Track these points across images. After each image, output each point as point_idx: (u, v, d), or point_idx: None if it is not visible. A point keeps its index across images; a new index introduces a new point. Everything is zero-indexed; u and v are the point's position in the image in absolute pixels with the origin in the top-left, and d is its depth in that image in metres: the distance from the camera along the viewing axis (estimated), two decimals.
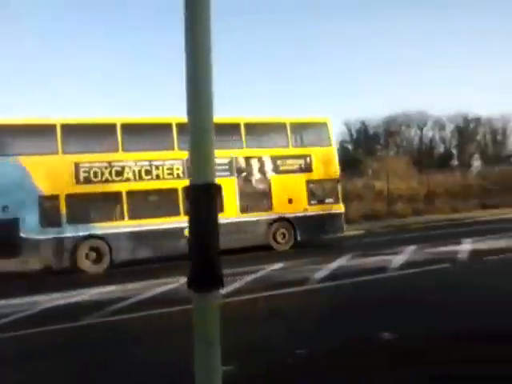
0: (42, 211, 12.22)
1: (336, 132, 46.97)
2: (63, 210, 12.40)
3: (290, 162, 14.74)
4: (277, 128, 15.16)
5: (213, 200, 1.81)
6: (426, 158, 48.31)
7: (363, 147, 52.83)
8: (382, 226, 20.24)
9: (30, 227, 11.95)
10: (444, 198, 26.69)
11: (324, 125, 15.55)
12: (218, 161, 12.90)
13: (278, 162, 14.62)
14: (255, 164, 14.36)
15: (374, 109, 74.29)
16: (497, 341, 4.47)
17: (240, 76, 72.89)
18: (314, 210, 14.73)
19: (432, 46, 73.01)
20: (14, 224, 11.80)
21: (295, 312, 6.66)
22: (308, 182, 14.83)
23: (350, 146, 55.90)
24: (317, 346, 4.78)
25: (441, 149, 60.08)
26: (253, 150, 14.42)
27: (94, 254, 12.53)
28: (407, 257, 10.80)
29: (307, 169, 14.90)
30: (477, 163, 51.61)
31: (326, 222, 14.79)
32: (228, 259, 10.53)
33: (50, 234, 12.16)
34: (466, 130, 58.55)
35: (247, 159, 14.32)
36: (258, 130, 14.92)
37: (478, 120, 57.76)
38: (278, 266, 10.86)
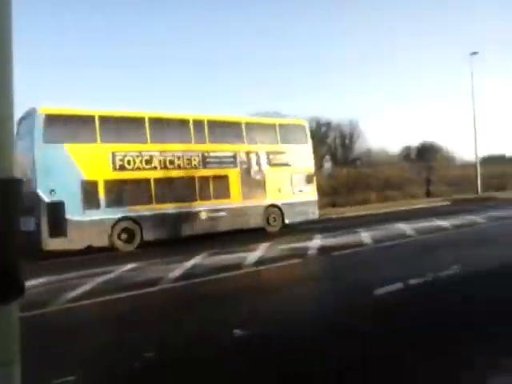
0: (84, 195, 13.51)
1: None
2: (102, 194, 13.82)
3: (278, 156, 17.50)
4: (268, 127, 17.77)
5: (9, 197, 1.28)
6: None
7: None
8: None
9: (74, 210, 13.24)
10: None
11: (303, 126, 18.67)
12: (225, 154, 15.67)
13: (271, 157, 17.31)
14: (253, 158, 16.88)
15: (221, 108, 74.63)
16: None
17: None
18: (297, 197, 17.78)
19: (290, 49, 74.07)
20: (60, 206, 13.01)
21: (143, 314, 6.49)
22: (292, 174, 17.86)
23: None
24: (164, 349, 4.72)
25: None
26: (251, 146, 16.90)
27: (126, 234, 14.18)
28: (262, 253, 11.12)
29: (291, 163, 17.83)
30: (328, 165, 52.28)
31: (305, 207, 18.02)
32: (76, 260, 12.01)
33: (91, 215, 13.50)
34: (318, 133, 59.30)
35: (247, 153, 16.76)
36: (255, 129, 17.35)
37: (328, 124, 60.14)
38: (130, 266, 10.41)
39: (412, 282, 7.02)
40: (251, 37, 72.88)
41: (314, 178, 18.70)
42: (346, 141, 61.22)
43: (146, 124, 14.79)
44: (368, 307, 5.92)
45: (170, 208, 14.87)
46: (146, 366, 4.27)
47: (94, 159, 13.80)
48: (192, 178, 15.44)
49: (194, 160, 15.61)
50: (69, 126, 13.63)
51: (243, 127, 16.88)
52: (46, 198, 12.80)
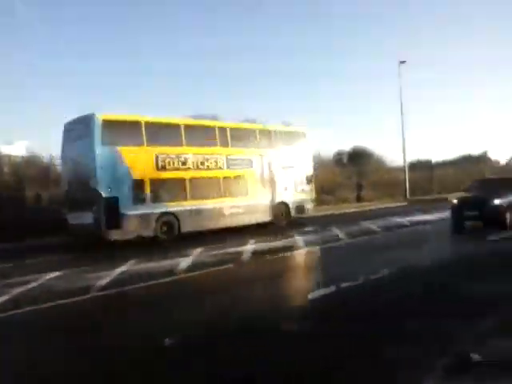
0: (133, 192, 15.29)
1: None
2: (147, 191, 15.65)
3: (285, 160, 19.90)
4: (277, 134, 20.22)
5: None
6: None
7: None
8: None
9: (126, 204, 15.01)
10: None
11: (304, 133, 21.29)
12: (244, 157, 17.96)
13: (279, 160, 19.65)
14: (266, 161, 19.24)
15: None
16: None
17: None
18: (300, 195, 20.38)
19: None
20: (115, 201, 14.75)
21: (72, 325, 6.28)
22: (295, 175, 20.29)
23: None
24: (99, 357, 4.80)
25: None
26: (264, 150, 19.28)
27: (166, 227, 16.01)
28: (194, 259, 11.15)
29: (295, 165, 20.34)
30: None
31: (306, 204, 20.72)
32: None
33: (139, 210, 15.32)
34: None
35: (261, 157, 19.10)
36: (267, 135, 19.76)
37: None
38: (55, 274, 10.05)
39: (344, 284, 7.38)
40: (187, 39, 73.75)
41: (313, 179, 21.36)
42: None
43: (182, 130, 16.81)
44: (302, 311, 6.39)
45: (200, 204, 16.91)
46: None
47: (141, 160, 15.63)
48: (218, 178, 17.65)
49: (220, 162, 17.76)
50: (120, 130, 15.45)
51: (257, 134, 19.31)
52: (104, 194, 14.51)
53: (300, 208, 20.36)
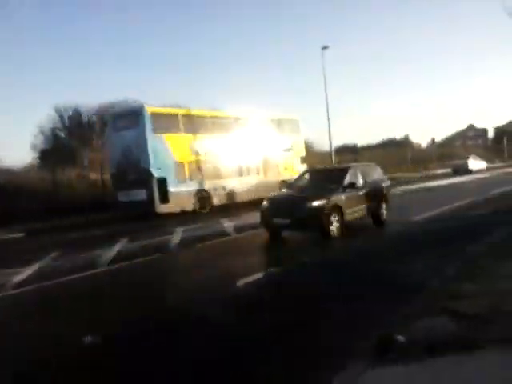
0: (176, 172, 18.40)
1: (47, 118, 47.15)
2: (187, 172, 18.89)
3: (285, 144, 23.70)
4: (278, 121, 23.93)
5: None
6: None
7: (77, 135, 46.72)
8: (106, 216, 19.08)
9: (171, 183, 18.08)
10: None
11: (297, 120, 25.21)
12: (257, 142, 22.09)
13: (281, 144, 23.44)
14: (272, 145, 22.98)
15: (89, 95, 71.11)
16: None
17: None
18: (296, 174, 23.50)
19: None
20: (164, 181, 17.80)
21: None
22: (293, 157, 24.25)
23: (62, 134, 50.38)
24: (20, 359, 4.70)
25: None
26: (271, 135, 23.01)
27: (201, 201, 19.16)
28: (120, 248, 10.97)
29: (292, 148, 24.25)
30: None
31: None
32: None
33: (181, 188, 18.46)
34: None
35: (270, 141, 22.86)
36: (274, 123, 23.62)
37: None
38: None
39: (272, 270, 7.52)
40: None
41: (305, 159, 25.31)
42: None
43: (208, 120, 20.22)
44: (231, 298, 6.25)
45: (226, 182, 20.38)
46: None
47: (181, 146, 18.71)
48: (238, 160, 21.18)
49: (239, 146, 21.18)
50: (163, 120, 18.23)
51: (267, 122, 23.19)
52: (156, 175, 17.46)
53: None
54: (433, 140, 50.54)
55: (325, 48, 34.58)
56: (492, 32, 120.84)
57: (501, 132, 80.00)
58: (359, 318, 4.94)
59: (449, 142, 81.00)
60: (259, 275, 7.16)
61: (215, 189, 19.63)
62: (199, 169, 19.31)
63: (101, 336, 4.93)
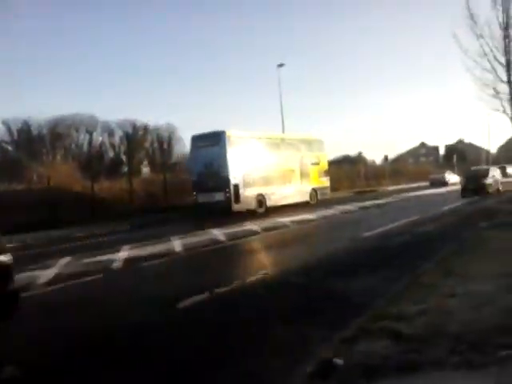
0: (244, 180, 23.10)
1: None
2: (251, 180, 23.56)
3: (314, 159, 28.93)
4: (309, 141, 29.77)
5: None
6: (96, 164, 48.96)
7: (27, 149, 47.02)
8: (44, 237, 17.72)
9: (241, 188, 22.73)
10: (114, 204, 25.68)
11: (322, 141, 30.82)
12: (295, 157, 27.29)
13: (311, 159, 28.68)
14: (305, 159, 28.15)
15: (39, 108, 72.06)
16: None
17: None
18: (322, 183, 29.35)
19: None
20: (237, 186, 22.50)
21: None
22: (319, 169, 29.30)
23: (10, 147, 50.47)
24: None
25: (111, 154, 60.27)
26: (304, 152, 28.24)
27: (259, 203, 23.87)
28: (59, 270, 10.09)
29: (319, 163, 29.43)
30: (146, 170, 51.44)
31: (325, 190, 29.69)
32: None
33: (247, 192, 23.08)
34: (135, 137, 59.20)
35: (303, 157, 27.99)
36: (306, 142, 29.38)
37: (145, 128, 59.65)
38: None
39: (218, 290, 7.20)
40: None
41: (328, 173, 30.70)
42: (165, 145, 61.23)
43: (264, 141, 25.60)
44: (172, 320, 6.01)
45: (275, 188, 25.19)
46: None
47: (248, 159, 23.56)
48: (284, 171, 26.37)
49: (284, 161, 26.42)
50: (237, 140, 23.24)
51: (302, 142, 28.97)
52: (232, 181, 22.35)
53: (323, 193, 29.44)
54: (386, 157, 51.35)
55: (280, 65, 35.52)
56: (440, 52, 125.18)
57: (451, 150, 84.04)
58: (298, 343, 4.80)
59: (402, 158, 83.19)
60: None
61: (268, 193, 24.62)
62: (258, 177, 24.24)
63: None
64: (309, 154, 28.57)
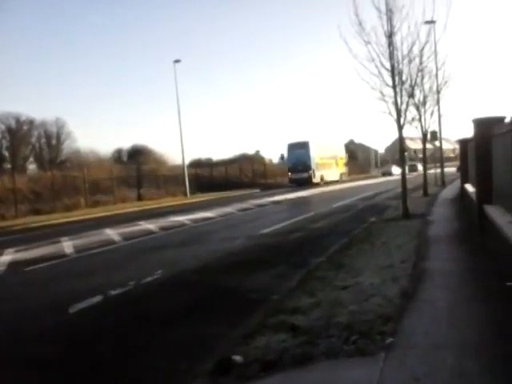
0: (316, 167, 41.77)
1: None
2: (319, 166, 42.32)
3: (341, 156, 49.49)
4: (339, 145, 50.61)
5: None
6: None
7: None
8: None
9: (314, 171, 41.65)
10: None
11: (342, 145, 52.02)
12: (333, 155, 47.37)
13: (341, 156, 49.41)
14: (336, 155, 47.81)
15: None
16: None
17: None
18: (344, 170, 50.03)
19: None
20: (313, 170, 41.18)
21: None
22: (342, 162, 49.47)
23: None
24: None
25: None
26: (336, 151, 48.27)
27: (321, 179, 42.71)
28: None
29: (343, 158, 49.81)
30: (32, 167, 49.63)
31: (345, 174, 50.15)
32: None
33: (316, 173, 41.75)
34: (19, 131, 55.18)
35: (336, 154, 47.97)
36: (339, 146, 50.44)
37: (31, 122, 55.35)
38: None
39: (113, 292, 6.92)
40: None
41: (347, 164, 51.99)
42: (53, 141, 57.50)
43: (322, 145, 43.97)
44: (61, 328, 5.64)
45: (327, 171, 44.08)
46: None
47: (317, 156, 42.06)
48: (330, 162, 45.48)
49: (330, 155, 45.76)
50: (315, 146, 41.90)
51: (335, 146, 48.53)
52: (312, 167, 41.01)
53: (343, 176, 48.23)
54: (282, 156, 53.64)
55: (176, 61, 35.18)
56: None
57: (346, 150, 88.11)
58: (196, 342, 4.75)
59: None
60: None
61: (323, 174, 42.64)
62: (321, 166, 42.25)
63: None
64: (338, 152, 47.79)
